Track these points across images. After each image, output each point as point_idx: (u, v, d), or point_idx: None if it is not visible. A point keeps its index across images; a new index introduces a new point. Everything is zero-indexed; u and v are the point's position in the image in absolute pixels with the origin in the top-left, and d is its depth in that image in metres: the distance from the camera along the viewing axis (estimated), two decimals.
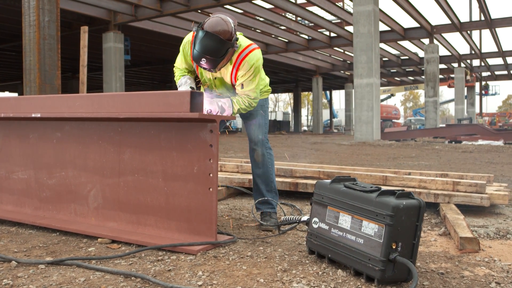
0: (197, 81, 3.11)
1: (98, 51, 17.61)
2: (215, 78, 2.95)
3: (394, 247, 1.95)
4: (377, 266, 1.93)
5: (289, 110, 60.07)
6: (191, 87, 2.94)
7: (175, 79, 3.13)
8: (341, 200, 2.16)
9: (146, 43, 21.21)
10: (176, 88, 3.08)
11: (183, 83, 2.99)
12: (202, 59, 2.62)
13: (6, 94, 41.78)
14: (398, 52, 27.69)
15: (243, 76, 2.81)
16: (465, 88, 31.78)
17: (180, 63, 3.08)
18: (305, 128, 52.79)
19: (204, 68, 2.74)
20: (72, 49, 16.84)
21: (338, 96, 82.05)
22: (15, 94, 38.07)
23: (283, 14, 19.81)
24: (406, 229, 1.98)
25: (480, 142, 14.07)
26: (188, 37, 2.93)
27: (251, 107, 2.93)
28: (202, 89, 3.15)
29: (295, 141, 16.65)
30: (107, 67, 17.43)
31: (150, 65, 27.76)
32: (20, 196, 3.25)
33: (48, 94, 5.25)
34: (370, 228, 2.01)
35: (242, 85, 2.84)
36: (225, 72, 2.87)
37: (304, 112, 63.20)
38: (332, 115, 45.56)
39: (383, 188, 2.12)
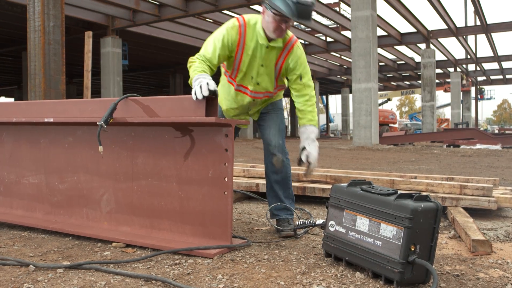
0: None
1: (96, 56, 17.56)
2: (262, 65, 2.80)
3: (412, 249, 1.97)
4: (396, 268, 1.96)
5: (286, 114, 60.14)
6: (214, 90, 2.40)
7: (191, 69, 2.63)
8: (358, 203, 2.18)
9: (144, 48, 21.23)
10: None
11: (205, 81, 2.41)
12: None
13: (2, 99, 41.60)
14: (395, 57, 27.87)
15: (299, 66, 2.81)
16: (461, 93, 31.99)
17: (210, 53, 2.67)
18: None
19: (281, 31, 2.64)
20: (70, 54, 16.80)
21: (335, 101, 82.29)
22: (12, 99, 37.94)
23: None
24: (424, 231, 2.00)
25: (478, 146, 14.15)
26: (235, 23, 2.71)
27: (315, 102, 2.95)
28: (240, 77, 2.87)
29: (294, 146, 16.61)
30: (105, 72, 17.41)
31: (146, 70, 27.78)
32: (31, 201, 3.25)
33: (53, 99, 5.25)
34: (388, 230, 2.03)
35: (301, 76, 2.83)
36: (272, 57, 2.78)
37: None
38: (329, 119, 45.65)
39: None
